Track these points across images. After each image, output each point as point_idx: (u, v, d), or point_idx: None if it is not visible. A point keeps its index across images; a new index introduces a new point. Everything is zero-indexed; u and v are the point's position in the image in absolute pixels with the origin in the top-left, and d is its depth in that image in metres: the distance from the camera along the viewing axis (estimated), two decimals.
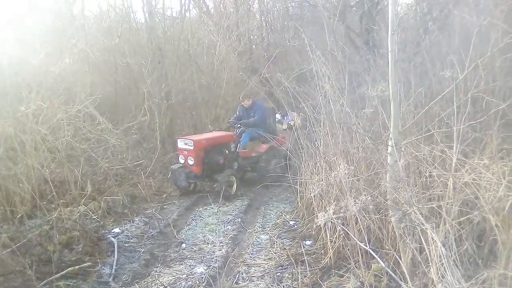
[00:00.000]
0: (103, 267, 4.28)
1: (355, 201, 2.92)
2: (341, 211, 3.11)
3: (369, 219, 3.71)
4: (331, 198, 3.86)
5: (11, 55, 7.21)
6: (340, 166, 3.31)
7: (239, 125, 7.62)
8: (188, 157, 6.70)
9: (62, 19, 9.72)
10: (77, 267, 4.10)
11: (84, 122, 7.39)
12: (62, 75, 8.19)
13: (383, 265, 3.07)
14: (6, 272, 3.80)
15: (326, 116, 4.41)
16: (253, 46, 15.48)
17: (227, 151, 7.18)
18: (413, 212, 2.69)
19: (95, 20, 11.12)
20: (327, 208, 2.98)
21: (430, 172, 3.03)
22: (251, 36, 15.65)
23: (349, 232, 3.33)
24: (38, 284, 3.67)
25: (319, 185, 3.80)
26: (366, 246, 3.33)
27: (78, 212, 5.37)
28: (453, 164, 2.88)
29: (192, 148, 6.66)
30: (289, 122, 8.92)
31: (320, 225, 3.20)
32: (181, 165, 6.79)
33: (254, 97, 8.15)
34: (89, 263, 4.26)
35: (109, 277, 4.08)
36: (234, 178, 6.90)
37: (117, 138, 7.51)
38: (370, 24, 9.27)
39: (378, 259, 2.92)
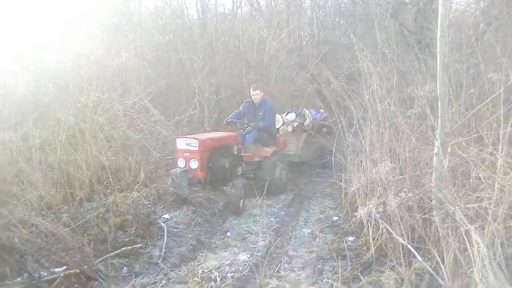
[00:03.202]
0: (153, 249, 4.58)
1: (395, 197, 2.95)
2: (381, 206, 3.14)
3: (413, 218, 3.73)
4: (374, 195, 3.89)
5: (73, 51, 7.72)
6: (383, 164, 3.34)
7: (244, 126, 6.72)
8: (191, 160, 5.80)
9: (120, 16, 10.25)
10: (129, 247, 4.42)
11: (139, 113, 7.80)
12: (119, 69, 8.68)
13: (425, 264, 3.08)
14: (67, 248, 4.15)
15: (372, 115, 4.43)
16: (303, 43, 15.48)
17: (231, 155, 6.41)
18: (456, 212, 2.70)
19: (151, 17, 11.59)
20: (368, 203, 3.03)
21: (476, 174, 3.00)
22: (302, 33, 15.65)
23: (392, 230, 3.35)
24: (95, 261, 3.99)
25: (360, 181, 3.84)
26: (409, 244, 3.37)
27: (132, 198, 5.71)
28: (500, 167, 2.85)
29: (196, 149, 5.75)
30: (297, 123, 8.31)
31: (360, 218, 3.24)
32: (182, 169, 5.84)
33: (263, 90, 7.25)
34: (141, 245, 4.57)
35: (159, 258, 4.36)
36: (243, 190, 5.96)
37: (169, 130, 7.85)
38: (424, 22, 9.02)
39: (419, 257, 2.95)
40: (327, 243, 4.57)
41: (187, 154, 5.82)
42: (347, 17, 14.99)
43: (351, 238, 4.61)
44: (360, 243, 4.38)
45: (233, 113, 7.06)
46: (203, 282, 3.72)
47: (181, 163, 5.90)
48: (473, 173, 3.00)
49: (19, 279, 3.63)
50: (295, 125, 8.30)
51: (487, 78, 3.60)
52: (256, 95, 6.80)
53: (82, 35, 8.60)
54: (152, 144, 7.41)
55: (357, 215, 3.08)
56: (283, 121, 8.42)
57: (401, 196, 2.93)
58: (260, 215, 5.57)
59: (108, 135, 7.23)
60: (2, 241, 4.05)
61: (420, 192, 3.31)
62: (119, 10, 11.42)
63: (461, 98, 3.80)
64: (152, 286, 3.80)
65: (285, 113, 8.78)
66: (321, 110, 8.88)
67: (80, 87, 7.39)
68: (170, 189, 5.90)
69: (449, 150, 3.09)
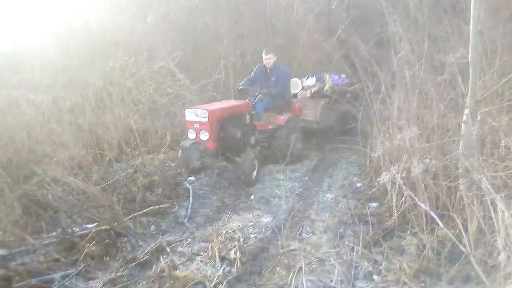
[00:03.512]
0: (179, 209, 4.72)
1: (419, 163, 2.93)
2: (405, 172, 3.12)
3: (438, 186, 3.70)
4: (399, 161, 3.86)
5: (100, 15, 7.76)
6: (408, 130, 3.29)
7: (256, 94, 6.39)
8: (201, 132, 5.54)
9: None
10: (157, 207, 4.57)
11: (165, 77, 7.86)
12: (145, 33, 8.70)
13: (447, 231, 3.09)
14: (98, 205, 4.34)
15: (400, 82, 4.32)
16: (332, 7, 15.02)
17: (243, 124, 6.06)
18: (482, 181, 2.67)
19: None
20: (391, 169, 3.02)
21: (506, 143, 2.93)
22: None
23: (415, 197, 3.34)
24: (124, 218, 4.17)
25: (384, 147, 3.81)
26: (432, 211, 3.37)
27: (158, 160, 5.86)
28: None
29: (206, 120, 5.48)
30: (315, 88, 7.92)
31: (383, 184, 3.24)
32: (193, 141, 5.56)
33: (276, 54, 6.73)
34: (167, 205, 4.72)
35: (184, 218, 4.50)
36: (255, 160, 5.80)
37: (194, 94, 7.90)
38: None
39: (441, 224, 2.95)
40: (350, 208, 4.59)
41: (197, 126, 5.57)
42: None
43: (374, 205, 4.61)
44: (383, 209, 4.38)
45: (244, 79, 6.74)
46: (226, 241, 3.83)
47: (191, 135, 5.64)
48: (503, 142, 2.93)
49: (53, 233, 3.85)
50: (313, 90, 7.96)
51: None
52: (269, 59, 6.46)
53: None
54: (178, 108, 7.49)
55: (380, 180, 3.07)
56: (302, 86, 8.12)
57: (425, 163, 2.89)
58: (283, 180, 5.67)
59: (135, 98, 7.35)
60: (37, 198, 4.29)
61: (447, 159, 3.26)
62: None
63: (494, 66, 3.65)
64: (178, 243, 3.94)
65: (306, 77, 8.41)
66: (342, 75, 8.50)
67: (107, 51, 7.50)
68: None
69: (478, 118, 3.01)
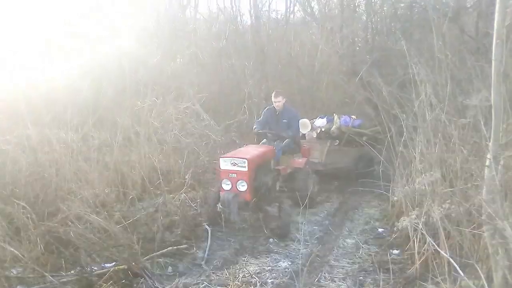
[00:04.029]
0: (197, 250, 4.71)
1: (438, 208, 2.84)
2: (424, 217, 3.03)
3: (461, 233, 3.57)
4: (420, 205, 3.76)
5: (132, 56, 8.13)
6: (427, 174, 3.22)
7: (274, 137, 6.25)
8: (239, 182, 5.17)
9: (176, 23, 10.68)
10: (175, 247, 4.58)
11: (191, 118, 8.06)
12: (174, 74, 9.03)
13: (467, 281, 2.94)
14: (117, 244, 4.37)
15: (422, 124, 4.27)
16: (357, 48, 15.21)
17: (270, 170, 5.89)
18: (506, 228, 2.56)
19: (205, 24, 11.92)
20: (411, 213, 2.94)
21: None
22: (355, 39, 15.39)
23: (435, 244, 3.21)
24: (142, 258, 4.17)
25: (404, 190, 3.73)
26: (451, 258, 3.22)
27: (180, 200, 5.91)
28: None
29: (245, 169, 5.15)
30: (321, 129, 7.84)
31: (405, 230, 3.15)
32: (234, 194, 5.12)
33: (286, 97, 6.57)
34: (186, 246, 4.71)
35: (202, 260, 4.47)
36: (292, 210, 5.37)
37: (218, 135, 8.04)
38: (485, 27, 8.51)
39: (461, 273, 2.81)
40: (371, 254, 4.46)
41: (233, 175, 5.21)
42: (403, 22, 14.57)
43: (396, 251, 4.47)
44: (405, 256, 4.25)
45: (256, 122, 6.61)
46: (243, 286, 3.77)
47: (226, 185, 5.26)
48: None
49: (72, 271, 3.88)
50: (318, 131, 7.88)
51: None
52: (279, 102, 6.29)
53: (141, 41, 9.05)
54: (201, 148, 7.61)
55: (399, 225, 2.98)
56: (312, 127, 7.99)
57: (445, 207, 2.81)
58: (303, 223, 5.57)
59: (161, 137, 7.54)
60: (59, 235, 4.36)
61: (470, 205, 3.16)
62: (176, 17, 11.91)
63: None
64: (195, 286, 3.91)
65: (317, 118, 8.34)
66: (352, 116, 8.31)
67: (136, 91, 7.80)
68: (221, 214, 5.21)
69: (501, 162, 2.92)
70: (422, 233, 3.86)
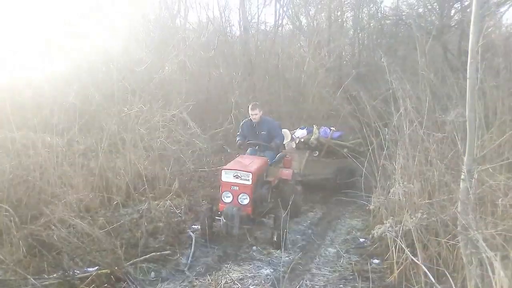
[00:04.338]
0: (181, 257, 4.73)
1: (411, 217, 2.96)
2: (398, 225, 3.15)
3: (439, 244, 3.70)
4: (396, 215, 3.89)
5: (120, 63, 8.16)
6: (400, 185, 3.35)
7: (262, 147, 6.20)
8: (241, 195, 5.09)
9: (166, 32, 10.77)
10: (158, 253, 4.59)
11: (177, 125, 8.11)
12: (162, 82, 9.08)
13: None
14: (100, 249, 4.39)
15: (400, 138, 4.42)
16: (343, 62, 15.50)
17: (264, 182, 5.79)
18: (479, 239, 2.68)
19: (195, 34, 12.03)
20: (385, 222, 3.05)
21: (503, 202, 2.97)
22: (343, 53, 15.69)
23: (410, 254, 3.32)
24: (125, 263, 4.19)
25: (379, 200, 3.85)
26: (431, 271, 3.34)
27: (165, 206, 5.93)
28: None
29: (249, 183, 5.08)
30: (301, 139, 7.92)
31: (376, 236, 3.25)
32: (234, 206, 5.04)
33: (263, 109, 6.44)
34: (169, 252, 4.73)
35: (185, 266, 4.50)
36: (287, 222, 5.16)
37: (204, 143, 8.10)
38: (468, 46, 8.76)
39: (436, 283, 2.92)
40: (351, 263, 4.56)
41: (236, 188, 5.12)
42: (388, 38, 14.94)
43: (376, 261, 4.58)
44: (385, 266, 4.36)
45: (238, 135, 6.52)
46: None
47: (227, 198, 5.17)
48: (500, 201, 2.96)
49: (54, 274, 3.88)
50: (297, 141, 7.93)
51: None
52: (255, 115, 6.18)
53: (130, 49, 9.10)
54: (188, 156, 7.66)
55: (374, 233, 3.09)
56: (292, 137, 8.07)
57: (417, 217, 2.93)
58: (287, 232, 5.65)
59: (147, 144, 7.56)
60: (42, 238, 4.36)
61: (445, 216, 3.29)
62: (166, 25, 12.01)
63: (494, 125, 3.75)
64: None
65: (297, 129, 8.43)
66: (332, 128, 8.45)
67: (124, 98, 7.82)
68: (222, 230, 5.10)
69: (475, 176, 3.06)
70: (401, 245, 3.99)
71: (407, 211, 3.44)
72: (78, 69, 7.84)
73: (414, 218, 2.99)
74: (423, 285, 3.32)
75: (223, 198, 5.21)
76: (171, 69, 10.12)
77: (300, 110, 11.57)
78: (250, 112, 6.23)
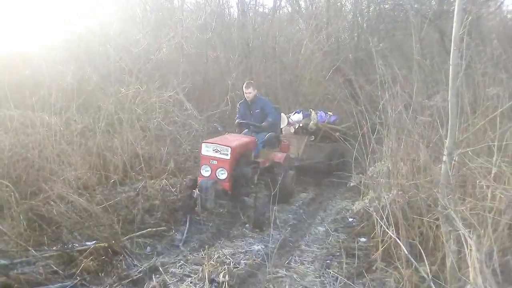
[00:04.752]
0: (176, 233, 4.93)
1: (386, 194, 3.13)
2: (376, 201, 3.32)
3: (421, 222, 3.89)
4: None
5: (117, 44, 8.21)
6: (377, 164, 3.52)
7: (256, 129, 6.18)
8: (219, 169, 5.13)
9: (163, 12, 10.76)
10: (154, 229, 4.79)
11: (174, 106, 8.22)
12: (158, 63, 9.14)
13: (417, 265, 3.22)
14: (98, 224, 4.56)
15: (385, 121, 4.56)
16: (341, 46, 15.48)
17: (250, 161, 5.76)
18: (455, 217, 2.85)
19: (192, 15, 12.01)
20: (364, 198, 3.23)
21: (480, 183, 3.13)
22: (341, 37, 15.66)
23: (390, 232, 3.49)
24: (122, 238, 4.37)
25: (358, 178, 4.04)
26: (414, 248, 3.53)
27: (160, 185, 6.09)
28: (507, 178, 2.97)
29: (227, 157, 5.11)
30: (299, 125, 7.94)
31: (355, 212, 3.43)
32: (213, 180, 5.10)
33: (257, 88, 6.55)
34: (165, 228, 4.93)
35: (180, 242, 4.70)
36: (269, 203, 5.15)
37: (200, 124, 8.22)
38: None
39: (413, 260, 3.11)
40: (339, 241, 4.76)
41: (214, 162, 5.17)
42: (387, 23, 14.95)
43: (363, 239, 4.78)
44: (371, 244, 4.54)
45: (237, 115, 6.63)
46: (217, 265, 4.00)
47: (205, 172, 5.22)
48: (477, 182, 3.13)
49: (54, 247, 4.06)
50: (297, 126, 7.96)
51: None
52: (249, 93, 6.25)
53: (127, 29, 9.12)
54: (184, 137, 7.78)
55: (354, 208, 3.27)
56: (288, 121, 8.09)
57: (393, 193, 3.10)
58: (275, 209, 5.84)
59: (144, 125, 7.68)
60: (41, 213, 4.52)
61: (428, 196, 3.46)
62: (163, 6, 11.99)
63: (479, 111, 3.90)
64: (172, 265, 4.13)
65: (293, 113, 8.41)
66: (329, 113, 8.56)
67: (121, 78, 7.91)
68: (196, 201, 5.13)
69: (455, 159, 3.22)
70: (386, 223, 4.18)
71: (383, 189, 3.61)
72: (75, 49, 7.88)
73: (390, 195, 3.16)
74: (403, 260, 3.51)
75: (201, 172, 5.25)
76: (168, 51, 10.17)
77: (296, 93, 11.67)
78: (244, 90, 6.32)
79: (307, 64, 12.13)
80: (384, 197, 3.25)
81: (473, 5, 8.09)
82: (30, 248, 3.83)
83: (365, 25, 15.64)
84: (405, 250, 3.10)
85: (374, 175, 3.88)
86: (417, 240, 3.89)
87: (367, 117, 4.54)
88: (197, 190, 5.10)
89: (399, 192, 3.21)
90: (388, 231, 3.25)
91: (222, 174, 5.14)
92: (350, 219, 5.59)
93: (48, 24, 7.66)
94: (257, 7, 14.39)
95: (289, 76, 11.94)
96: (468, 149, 3.17)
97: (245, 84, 6.40)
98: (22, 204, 4.60)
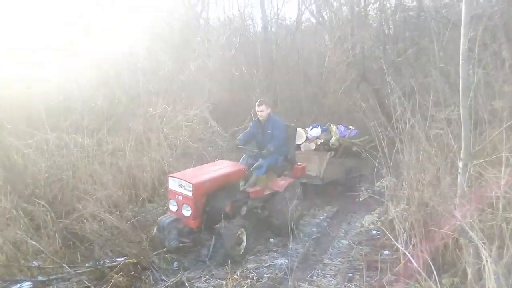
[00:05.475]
0: (201, 248, 5.06)
1: (395, 208, 3.16)
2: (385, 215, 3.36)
3: (445, 235, 3.88)
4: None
5: (144, 67, 8.57)
6: (384, 178, 3.55)
7: (253, 154, 5.67)
8: (184, 206, 4.79)
9: (188, 32, 11.12)
10: (181, 245, 4.94)
11: (199, 124, 8.46)
12: (184, 83, 9.46)
13: (426, 278, 3.23)
14: (128, 241, 4.77)
15: (398, 135, 4.57)
16: (366, 56, 15.38)
17: (234, 193, 5.20)
18: (469, 228, 2.87)
19: (216, 33, 12.32)
20: (373, 212, 3.27)
21: (496, 194, 3.13)
22: (365, 46, 15.58)
23: (399, 246, 3.50)
24: (150, 254, 4.56)
25: (367, 192, 4.06)
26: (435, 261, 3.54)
27: None
28: None
29: (190, 194, 4.71)
30: (321, 141, 7.45)
31: (366, 225, 3.47)
32: (172, 217, 4.77)
33: (271, 106, 6.01)
34: (191, 244, 5.07)
35: (206, 257, 4.83)
36: (244, 231, 4.91)
37: (225, 141, 8.42)
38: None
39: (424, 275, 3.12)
40: (362, 254, 4.78)
41: (180, 198, 4.84)
42: (412, 30, 14.78)
43: (386, 252, 4.78)
44: (394, 257, 4.55)
45: (242, 133, 6.12)
46: (241, 279, 4.13)
47: (173, 207, 4.94)
48: (493, 193, 3.13)
49: (87, 264, 4.30)
50: (318, 143, 7.42)
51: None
52: (261, 111, 5.71)
53: (153, 52, 9.51)
54: (209, 153, 8.00)
55: (364, 222, 3.32)
56: (307, 137, 7.60)
57: (400, 207, 3.14)
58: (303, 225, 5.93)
59: (171, 143, 7.96)
60: (75, 231, 4.79)
61: (443, 208, 3.47)
62: (189, 25, 12.36)
63: (495, 121, 3.89)
64: (197, 280, 4.28)
65: (310, 127, 7.90)
66: (350, 127, 8.16)
67: (148, 99, 8.25)
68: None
69: (471, 170, 3.24)
70: (409, 235, 4.20)
71: (392, 201, 3.64)
72: (105, 74, 8.29)
73: (397, 209, 3.19)
74: (425, 274, 3.51)
75: (170, 207, 5.01)
76: (193, 70, 10.48)
77: (321, 105, 11.70)
78: (256, 108, 5.83)
79: (331, 75, 12.17)
80: (392, 211, 3.28)
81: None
82: (64, 265, 4.08)
83: (391, 33, 15.52)
84: (414, 263, 3.13)
85: (382, 190, 3.91)
86: (439, 252, 3.92)
87: (384, 130, 4.57)
88: (155, 229, 4.83)
89: (416, 205, 3.23)
90: (397, 244, 3.27)
91: (187, 211, 4.78)
92: (374, 232, 5.57)
93: (78, 49, 8.08)
94: (279, 21, 14.59)
95: (313, 89, 12.00)
96: (482, 160, 3.18)
97: (258, 102, 5.87)
98: (58, 223, 4.89)
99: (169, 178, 5.03)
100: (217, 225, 4.74)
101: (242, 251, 4.85)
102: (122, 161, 6.95)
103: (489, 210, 3.37)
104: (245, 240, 4.91)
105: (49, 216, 4.85)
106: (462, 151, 3.28)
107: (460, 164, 3.28)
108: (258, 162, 5.55)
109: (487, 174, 3.27)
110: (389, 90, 4.57)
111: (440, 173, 3.90)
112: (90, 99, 7.86)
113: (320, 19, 16.03)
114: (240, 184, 5.43)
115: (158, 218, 4.87)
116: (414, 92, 5.16)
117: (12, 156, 5.77)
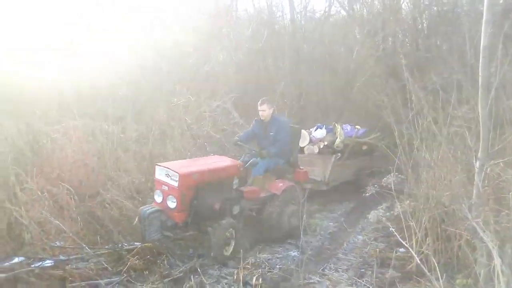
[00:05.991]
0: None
1: (400, 204, 3.13)
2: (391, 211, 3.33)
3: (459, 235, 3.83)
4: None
5: (169, 57, 8.70)
6: (389, 175, 3.53)
7: (252, 153, 5.54)
8: (169, 197, 4.46)
9: (215, 24, 11.16)
10: (197, 232, 5.03)
11: (222, 115, 8.55)
12: (209, 74, 9.55)
13: (430, 275, 3.19)
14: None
15: (413, 132, 4.49)
16: (397, 50, 15.04)
17: (227, 190, 4.93)
18: (481, 229, 2.82)
19: (243, 25, 12.28)
20: (378, 208, 3.26)
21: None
22: (396, 41, 15.23)
23: (410, 249, 3.46)
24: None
25: (373, 188, 4.04)
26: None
27: None
28: None
29: (176, 185, 4.40)
30: (324, 143, 7.13)
31: (371, 220, 3.46)
32: (154, 208, 4.47)
33: (274, 107, 5.71)
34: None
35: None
36: (233, 232, 4.64)
37: None
38: None
39: (428, 274, 3.09)
40: (376, 251, 4.76)
41: (165, 188, 4.51)
42: (446, 26, 14.34)
43: (402, 249, 4.73)
44: (409, 254, 4.49)
45: (244, 132, 6.02)
46: (252, 268, 4.20)
47: (158, 197, 4.61)
48: (510, 194, 3.06)
49: (106, 246, 4.46)
50: (321, 146, 7.10)
51: None
52: (263, 111, 5.49)
53: (180, 42, 9.62)
54: (230, 144, 8.07)
55: (369, 217, 3.31)
56: (310, 138, 7.28)
57: (405, 203, 3.11)
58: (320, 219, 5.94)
59: (194, 133, 8.08)
60: (97, 215, 4.97)
61: (457, 208, 3.42)
62: (219, 17, 12.41)
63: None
64: (210, 266, 4.38)
65: (314, 128, 7.53)
66: (357, 126, 7.84)
67: (172, 89, 8.38)
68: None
69: (488, 170, 3.17)
70: (424, 234, 4.17)
71: (397, 198, 3.61)
72: (130, 63, 8.45)
73: (403, 205, 3.16)
74: (439, 274, 3.48)
75: (155, 197, 4.69)
76: (218, 61, 10.55)
77: (347, 100, 11.56)
78: (258, 108, 5.57)
79: (359, 69, 11.97)
80: (398, 207, 3.26)
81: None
82: (84, 246, 4.25)
83: (425, 27, 15.10)
84: (418, 260, 3.11)
85: (389, 185, 3.88)
86: (454, 253, 3.87)
87: (404, 127, 4.51)
88: (136, 219, 4.55)
89: (434, 203, 3.19)
90: (402, 242, 3.25)
91: (172, 203, 4.44)
92: (391, 229, 5.51)
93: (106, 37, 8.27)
94: (307, 14, 14.43)
95: (340, 82, 11.85)
96: (500, 161, 3.11)
97: (259, 101, 5.60)
98: (81, 206, 5.08)
99: (156, 167, 4.74)
100: (210, 228, 4.46)
101: (229, 252, 4.57)
102: (145, 149, 7.11)
103: (506, 211, 3.30)
104: (233, 242, 4.64)
105: (72, 199, 5.03)
106: (479, 151, 3.22)
107: (477, 164, 3.21)
108: (253, 159, 5.30)
109: (506, 175, 3.19)
110: (415, 86, 4.49)
111: (457, 173, 3.83)
112: (115, 87, 8.05)
113: (351, 11, 15.78)
114: (234, 182, 5.13)
115: (140, 208, 4.59)
116: (438, 89, 5.09)
117: (41, 141, 6.00)
